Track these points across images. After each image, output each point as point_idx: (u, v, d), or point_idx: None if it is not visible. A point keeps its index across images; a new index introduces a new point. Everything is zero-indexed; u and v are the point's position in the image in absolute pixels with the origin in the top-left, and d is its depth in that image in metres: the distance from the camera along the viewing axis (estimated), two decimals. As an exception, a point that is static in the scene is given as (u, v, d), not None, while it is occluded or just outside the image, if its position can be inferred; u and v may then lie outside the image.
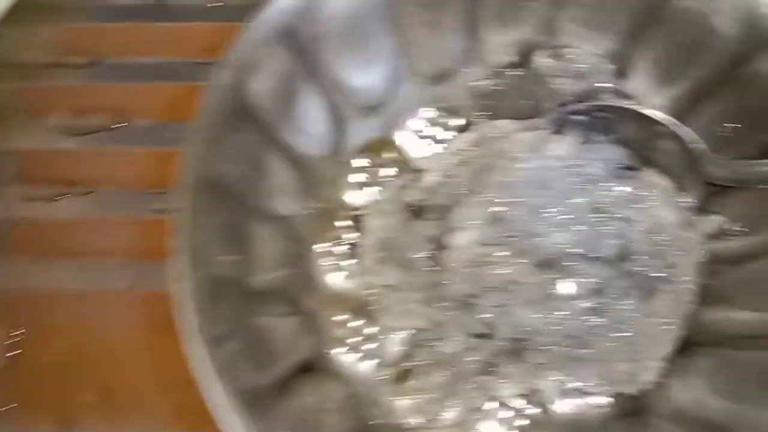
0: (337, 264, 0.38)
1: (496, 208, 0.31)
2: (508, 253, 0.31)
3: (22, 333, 0.35)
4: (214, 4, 0.42)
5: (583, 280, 0.31)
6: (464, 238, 0.31)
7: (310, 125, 0.36)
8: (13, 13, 0.39)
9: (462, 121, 0.38)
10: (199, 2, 0.42)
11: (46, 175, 0.39)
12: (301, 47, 0.31)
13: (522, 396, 0.36)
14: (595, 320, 0.31)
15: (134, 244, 0.37)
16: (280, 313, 0.34)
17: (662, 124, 0.32)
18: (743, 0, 0.29)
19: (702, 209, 0.34)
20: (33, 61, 0.41)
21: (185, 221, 0.27)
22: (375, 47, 0.34)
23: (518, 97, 0.37)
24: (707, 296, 0.34)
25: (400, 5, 0.33)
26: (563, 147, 0.32)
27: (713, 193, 0.34)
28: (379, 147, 0.38)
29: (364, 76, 0.35)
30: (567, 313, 0.31)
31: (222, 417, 0.25)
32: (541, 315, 0.31)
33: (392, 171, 0.38)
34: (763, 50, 0.30)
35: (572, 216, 0.32)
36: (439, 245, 0.33)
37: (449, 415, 0.35)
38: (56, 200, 0.39)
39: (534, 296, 0.31)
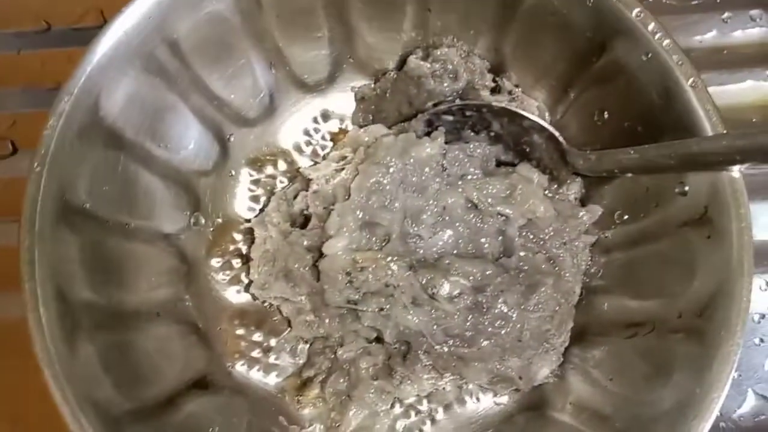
0: (233, 278, 0.37)
1: (366, 214, 0.31)
2: (382, 257, 0.30)
3: None
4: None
5: (461, 280, 0.31)
6: (337, 244, 0.31)
7: (188, 142, 0.35)
8: None
9: (343, 127, 0.38)
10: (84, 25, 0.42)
11: None
12: (161, 66, 0.31)
13: (424, 397, 0.36)
14: (477, 318, 0.31)
15: None
16: (168, 333, 0.34)
17: (529, 118, 0.32)
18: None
19: (583, 202, 0.34)
20: None
21: (36, 250, 0.26)
22: (241, 60, 0.34)
23: (398, 101, 0.36)
24: (593, 286, 0.35)
25: (260, 18, 0.32)
26: (433, 147, 0.32)
27: (592, 184, 0.34)
28: (266, 158, 0.38)
29: (237, 89, 0.35)
30: (449, 312, 0.31)
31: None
32: (424, 317, 0.31)
33: (279, 181, 0.38)
34: (616, 37, 0.30)
35: (447, 216, 0.32)
36: (319, 254, 0.33)
37: (354, 420, 0.35)
38: None
39: (414, 298, 0.31)
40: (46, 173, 0.27)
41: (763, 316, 0.37)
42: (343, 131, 0.38)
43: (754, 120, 0.39)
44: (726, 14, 0.41)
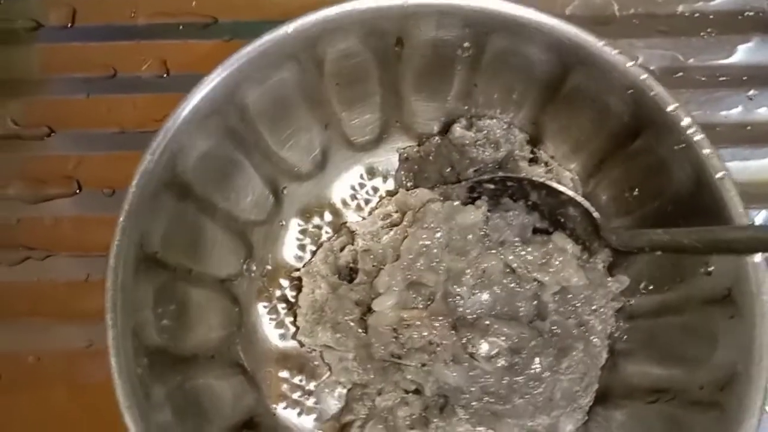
0: (279, 322, 0.40)
1: (414, 274, 0.34)
2: (426, 316, 0.33)
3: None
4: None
5: (499, 340, 0.33)
6: (386, 302, 0.33)
7: (248, 194, 0.38)
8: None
9: (389, 187, 0.41)
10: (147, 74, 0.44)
11: (8, 241, 0.41)
12: (231, 128, 0.33)
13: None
14: (512, 378, 0.33)
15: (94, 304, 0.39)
16: (221, 374, 0.36)
17: (568, 194, 0.35)
18: (633, 81, 0.32)
19: (610, 269, 0.37)
20: None
21: (117, 292, 0.29)
22: (300, 122, 0.37)
23: (440, 164, 0.39)
24: (617, 349, 0.37)
25: (321, 85, 0.35)
26: (477, 215, 0.35)
27: (620, 254, 0.37)
28: (314, 210, 0.41)
29: (294, 148, 0.38)
30: (486, 371, 0.33)
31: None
32: (463, 373, 0.34)
33: (325, 232, 0.40)
34: (651, 126, 0.33)
35: (486, 279, 0.34)
36: (366, 308, 0.35)
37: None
38: (18, 264, 0.41)
39: (454, 356, 0.33)
40: (130, 227, 0.30)
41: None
42: (393, 190, 0.40)
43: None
44: (752, 92, 0.43)
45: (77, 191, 0.42)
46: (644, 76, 0.32)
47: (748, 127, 0.43)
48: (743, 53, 0.44)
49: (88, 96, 0.44)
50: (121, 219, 0.30)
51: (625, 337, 0.37)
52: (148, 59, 0.44)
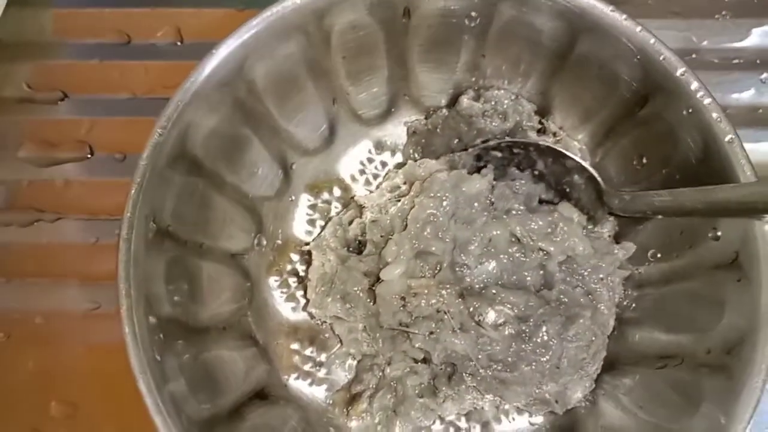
0: (289, 296, 0.40)
1: (421, 243, 0.34)
2: (434, 284, 0.33)
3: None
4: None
5: (506, 309, 0.33)
6: (394, 271, 0.34)
7: (257, 169, 0.38)
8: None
9: (398, 161, 0.41)
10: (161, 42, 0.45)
11: (19, 203, 0.42)
12: (240, 100, 0.34)
13: (464, 415, 0.38)
14: (519, 345, 0.34)
15: (102, 267, 0.40)
16: (233, 346, 0.37)
17: (572, 159, 0.35)
18: (641, 46, 0.32)
19: (617, 238, 0.37)
20: (9, 96, 0.44)
21: (129, 263, 0.29)
22: (307, 97, 0.37)
23: (448, 137, 0.39)
24: (625, 318, 0.37)
25: (328, 59, 0.35)
26: (482, 183, 0.35)
27: (628, 224, 0.37)
28: (323, 185, 0.41)
29: (302, 123, 0.38)
30: (494, 339, 0.34)
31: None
32: (470, 342, 0.34)
33: (334, 207, 0.41)
34: (660, 92, 0.32)
35: (492, 248, 0.34)
36: (375, 278, 0.35)
37: (398, 435, 0.38)
38: (29, 226, 0.42)
39: (462, 324, 0.34)
40: (141, 199, 0.30)
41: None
42: (401, 163, 0.41)
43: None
44: (764, 75, 0.43)
45: (89, 155, 0.43)
46: (653, 40, 0.32)
47: (760, 110, 0.43)
48: (757, 37, 0.44)
49: (101, 61, 0.44)
50: (132, 192, 0.30)
51: (634, 305, 0.37)
52: (163, 26, 0.45)
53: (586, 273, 0.35)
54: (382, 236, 0.36)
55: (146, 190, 0.31)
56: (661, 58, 0.31)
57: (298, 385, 0.38)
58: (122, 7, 0.44)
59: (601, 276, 0.35)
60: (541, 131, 0.39)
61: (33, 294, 0.40)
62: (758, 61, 0.43)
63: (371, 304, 0.36)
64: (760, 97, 0.43)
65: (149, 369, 0.28)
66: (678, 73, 0.31)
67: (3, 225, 0.41)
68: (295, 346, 0.39)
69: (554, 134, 0.39)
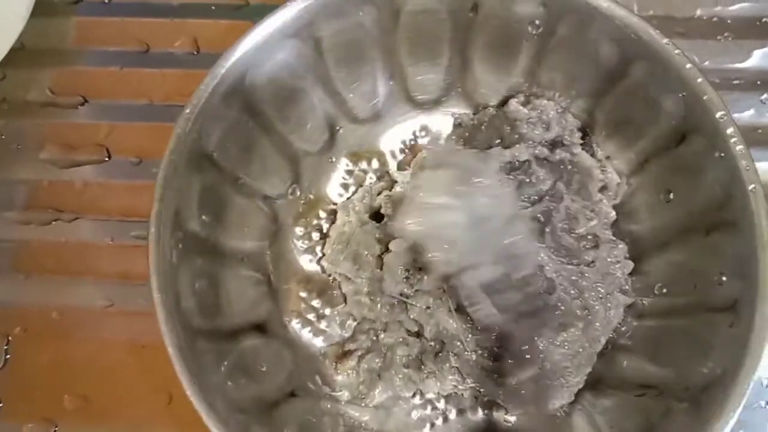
0: (309, 248, 0.43)
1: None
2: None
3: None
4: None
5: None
6: (402, 245, 0.36)
7: (306, 123, 0.41)
8: (16, 55, 0.44)
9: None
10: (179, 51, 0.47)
11: (39, 202, 0.45)
12: (302, 54, 0.36)
13: (444, 397, 0.40)
14: (505, 341, 0.35)
15: (116, 266, 0.43)
16: (246, 277, 0.39)
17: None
18: (688, 82, 0.33)
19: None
20: (33, 100, 0.46)
21: (168, 179, 0.32)
22: (367, 68, 0.39)
23: (490, 135, 0.41)
24: (619, 344, 0.38)
25: (394, 35, 0.37)
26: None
27: (642, 257, 0.38)
28: (364, 154, 0.43)
29: (356, 91, 0.40)
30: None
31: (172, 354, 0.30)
32: (462, 324, 0.35)
33: (369, 177, 0.43)
34: (697, 131, 0.33)
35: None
36: (386, 247, 0.37)
37: (377, 397, 0.39)
38: (47, 225, 0.44)
39: (458, 306, 0.35)
40: (193, 120, 0.33)
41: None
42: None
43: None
44: (764, 95, 0.44)
45: (107, 158, 0.45)
46: (700, 79, 0.32)
47: (759, 130, 0.44)
48: (759, 58, 0.45)
49: (121, 69, 0.47)
50: (187, 111, 0.33)
51: (629, 333, 0.38)
52: (180, 37, 0.47)
53: (587, 291, 0.36)
54: (394, 210, 0.38)
55: (198, 116, 0.33)
56: (704, 98, 0.32)
57: (297, 329, 0.41)
58: (142, 17, 0.47)
59: (600, 295, 0.36)
60: (584, 148, 0.40)
61: (50, 290, 0.42)
62: (758, 82, 0.44)
63: (378, 270, 0.38)
64: (759, 118, 0.44)
65: (164, 268, 0.31)
66: (718, 116, 0.32)
67: (23, 223, 0.44)
68: (303, 294, 0.42)
69: (592, 155, 0.40)
